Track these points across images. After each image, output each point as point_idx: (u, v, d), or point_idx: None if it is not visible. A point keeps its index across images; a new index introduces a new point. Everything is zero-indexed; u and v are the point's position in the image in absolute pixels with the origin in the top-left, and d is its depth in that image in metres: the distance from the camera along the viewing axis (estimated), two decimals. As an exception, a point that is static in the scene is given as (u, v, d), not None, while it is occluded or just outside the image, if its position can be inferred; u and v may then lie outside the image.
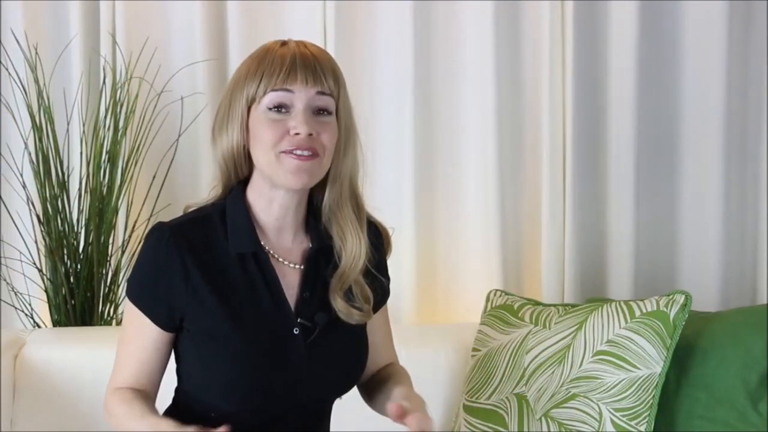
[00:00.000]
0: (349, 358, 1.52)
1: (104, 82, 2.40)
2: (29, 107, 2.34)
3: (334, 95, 1.44)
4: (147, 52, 2.41)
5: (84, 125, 2.40)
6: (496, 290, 2.18)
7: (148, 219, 2.39)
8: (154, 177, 2.42)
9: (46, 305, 2.40)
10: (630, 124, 2.41)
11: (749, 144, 2.48)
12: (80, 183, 2.38)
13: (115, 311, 2.40)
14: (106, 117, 2.36)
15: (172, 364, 1.51)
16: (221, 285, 1.44)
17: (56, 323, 2.38)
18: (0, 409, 2.05)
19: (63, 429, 2.07)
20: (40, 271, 2.39)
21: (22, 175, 2.37)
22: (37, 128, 2.33)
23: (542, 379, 1.92)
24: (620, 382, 1.84)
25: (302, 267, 1.50)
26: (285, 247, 1.50)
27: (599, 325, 1.91)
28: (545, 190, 2.43)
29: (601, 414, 1.84)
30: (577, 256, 2.43)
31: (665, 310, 1.87)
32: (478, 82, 2.45)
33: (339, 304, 1.48)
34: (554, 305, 2.07)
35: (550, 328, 1.98)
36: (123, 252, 2.40)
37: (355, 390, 1.58)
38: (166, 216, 2.25)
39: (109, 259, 2.38)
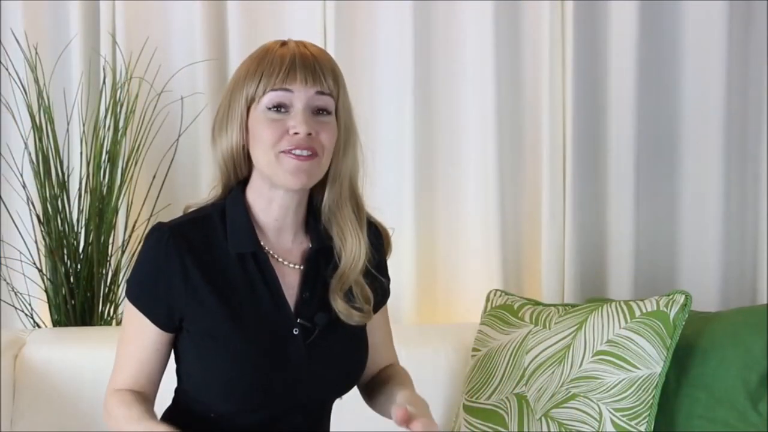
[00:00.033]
0: (349, 359, 1.52)
1: (104, 82, 2.40)
2: (29, 107, 2.34)
3: (334, 95, 1.44)
4: (147, 52, 2.41)
5: (84, 125, 2.40)
6: (496, 290, 2.18)
7: (148, 219, 2.39)
8: (154, 177, 2.42)
9: (46, 305, 2.40)
10: (630, 124, 2.41)
11: (749, 144, 2.48)
12: (80, 183, 2.38)
13: (115, 311, 2.40)
14: (106, 117, 2.36)
15: (171, 364, 1.51)
16: (221, 285, 1.44)
17: (56, 323, 2.38)
18: (0, 409, 2.05)
19: (63, 429, 2.07)
20: (40, 271, 2.39)
21: (22, 175, 2.37)
22: (37, 128, 2.33)
23: (542, 379, 1.92)
24: (620, 382, 1.84)
25: (302, 267, 1.50)
26: (285, 247, 1.50)
27: (599, 325, 1.91)
28: (545, 190, 2.43)
29: (601, 414, 1.84)
30: (577, 256, 2.43)
31: (665, 310, 1.87)
32: (478, 82, 2.45)
33: (339, 305, 1.48)
34: (554, 305, 2.07)
35: (550, 328, 1.98)
36: (123, 252, 2.40)
37: (355, 390, 1.58)
38: (166, 216, 2.25)
39: (109, 259, 2.38)
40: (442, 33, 2.47)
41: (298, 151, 1.40)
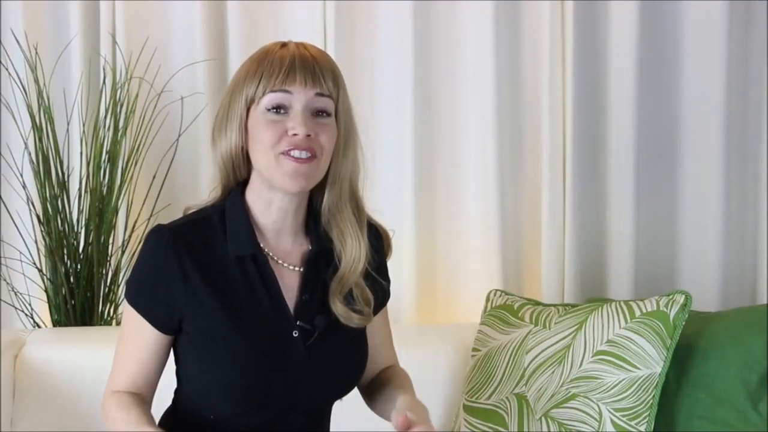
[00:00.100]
0: (349, 361, 1.52)
1: (104, 82, 2.40)
2: (29, 107, 2.34)
3: (333, 97, 1.44)
4: (147, 52, 2.41)
5: (84, 125, 2.40)
6: (496, 290, 2.18)
7: (148, 219, 2.39)
8: (154, 177, 2.42)
9: (46, 305, 2.40)
10: (630, 124, 2.41)
11: (749, 144, 2.48)
12: (80, 183, 2.38)
13: (115, 311, 2.40)
14: (106, 117, 2.36)
15: (171, 365, 1.51)
16: (221, 286, 1.44)
17: (56, 323, 2.38)
18: (0, 409, 2.05)
19: (63, 429, 2.07)
20: (40, 271, 2.39)
21: (22, 175, 2.37)
22: (37, 128, 2.33)
23: (542, 379, 1.92)
24: (620, 382, 1.84)
25: (302, 269, 1.50)
26: (284, 249, 1.50)
27: (599, 325, 1.91)
28: (545, 190, 2.43)
29: (601, 414, 1.84)
30: (577, 256, 2.43)
31: (665, 310, 1.87)
32: (478, 82, 2.45)
33: (339, 308, 1.47)
34: (554, 305, 2.07)
35: (550, 328, 1.98)
36: (123, 252, 2.40)
37: (355, 391, 1.58)
38: (166, 216, 2.26)
39: (109, 259, 2.38)
40: (442, 33, 2.47)
41: (297, 153, 1.40)
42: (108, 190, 2.35)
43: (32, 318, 2.42)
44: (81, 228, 2.36)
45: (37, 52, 2.37)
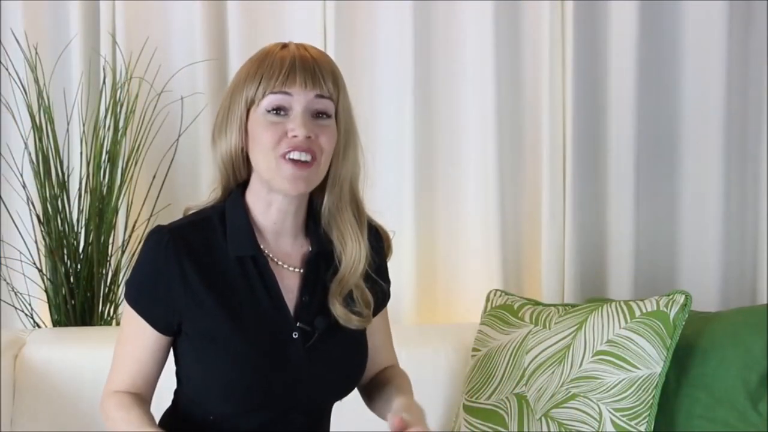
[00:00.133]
0: (349, 363, 1.52)
1: (104, 82, 2.40)
2: (29, 107, 2.34)
3: (334, 98, 1.44)
4: (147, 52, 2.41)
5: (84, 125, 2.40)
6: (496, 290, 2.18)
7: (148, 219, 2.39)
8: (154, 177, 2.42)
9: (46, 305, 2.40)
10: (630, 124, 2.41)
11: (749, 144, 2.48)
12: (80, 183, 2.38)
13: (115, 311, 2.40)
14: (106, 117, 2.36)
15: (170, 366, 1.51)
16: (221, 287, 1.44)
17: (56, 323, 2.38)
18: (0, 409, 2.05)
19: (63, 429, 2.07)
20: (40, 271, 2.39)
21: (22, 175, 2.37)
22: (37, 128, 2.33)
23: (542, 379, 1.92)
24: (620, 382, 1.84)
25: (302, 271, 1.50)
26: (284, 250, 1.50)
27: (599, 325, 1.91)
28: (545, 190, 2.43)
29: (601, 414, 1.84)
30: (577, 256, 2.43)
31: (665, 310, 1.87)
32: (478, 82, 2.45)
33: (338, 310, 1.47)
34: (554, 305, 2.07)
35: (550, 328, 1.98)
36: (123, 252, 2.40)
37: (355, 391, 1.58)
38: (166, 216, 2.26)
39: (109, 259, 2.38)
40: (442, 33, 2.47)
41: (296, 155, 1.40)
42: (108, 190, 2.35)
43: (32, 318, 2.42)
44: (81, 228, 2.36)
45: (37, 52, 2.37)
